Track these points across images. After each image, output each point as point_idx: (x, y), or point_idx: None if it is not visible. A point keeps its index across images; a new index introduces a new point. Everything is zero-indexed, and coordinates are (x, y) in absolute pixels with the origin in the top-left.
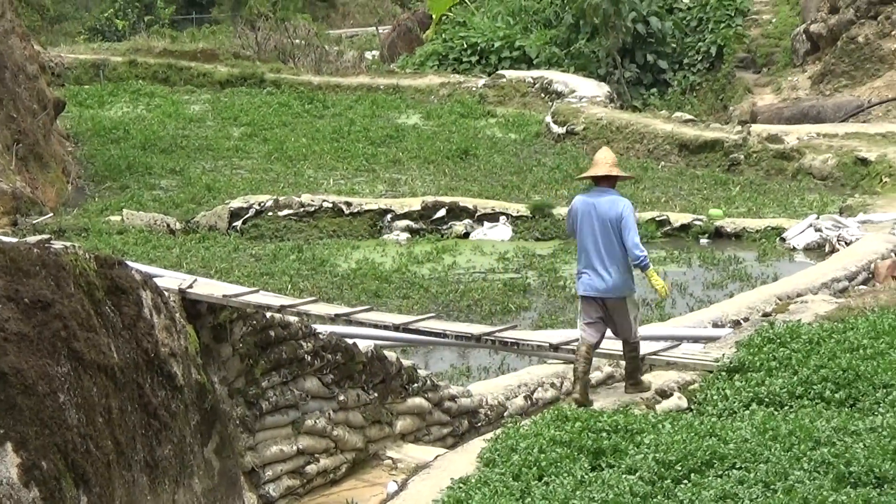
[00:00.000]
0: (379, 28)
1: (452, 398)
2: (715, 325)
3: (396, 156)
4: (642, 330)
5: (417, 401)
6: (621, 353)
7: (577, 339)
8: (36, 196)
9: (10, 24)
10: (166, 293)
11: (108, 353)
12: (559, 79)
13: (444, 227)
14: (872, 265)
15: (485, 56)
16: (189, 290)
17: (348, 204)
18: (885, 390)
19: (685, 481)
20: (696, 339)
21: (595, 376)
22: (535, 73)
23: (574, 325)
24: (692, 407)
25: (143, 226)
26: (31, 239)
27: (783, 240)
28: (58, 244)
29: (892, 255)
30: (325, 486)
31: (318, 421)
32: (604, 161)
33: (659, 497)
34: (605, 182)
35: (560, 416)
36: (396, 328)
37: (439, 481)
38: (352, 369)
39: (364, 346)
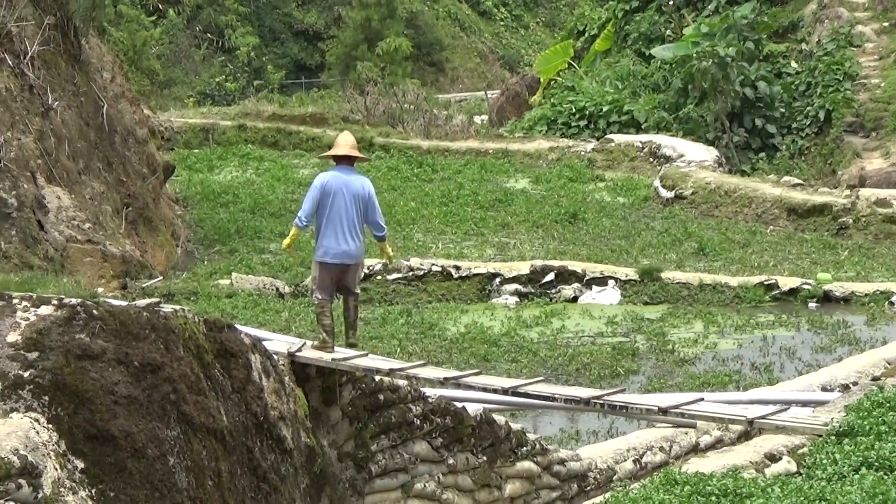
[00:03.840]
0: (488, 92)
1: (561, 462)
2: (824, 389)
3: (505, 220)
4: (752, 393)
5: (526, 465)
6: (730, 415)
7: (687, 403)
8: (145, 259)
9: (119, 89)
10: (275, 356)
11: (218, 416)
12: (668, 143)
13: (553, 291)
14: None
15: (593, 120)
16: (298, 354)
17: (457, 268)
18: None
19: None
20: (805, 403)
21: (704, 440)
22: (644, 137)
23: (683, 390)
24: (801, 471)
25: (251, 289)
26: (141, 302)
27: (892, 304)
28: (167, 307)
29: None
30: None
31: (427, 484)
32: (345, 143)
33: None
34: (346, 161)
35: (669, 480)
36: (505, 392)
37: None
38: (461, 433)
39: (473, 409)
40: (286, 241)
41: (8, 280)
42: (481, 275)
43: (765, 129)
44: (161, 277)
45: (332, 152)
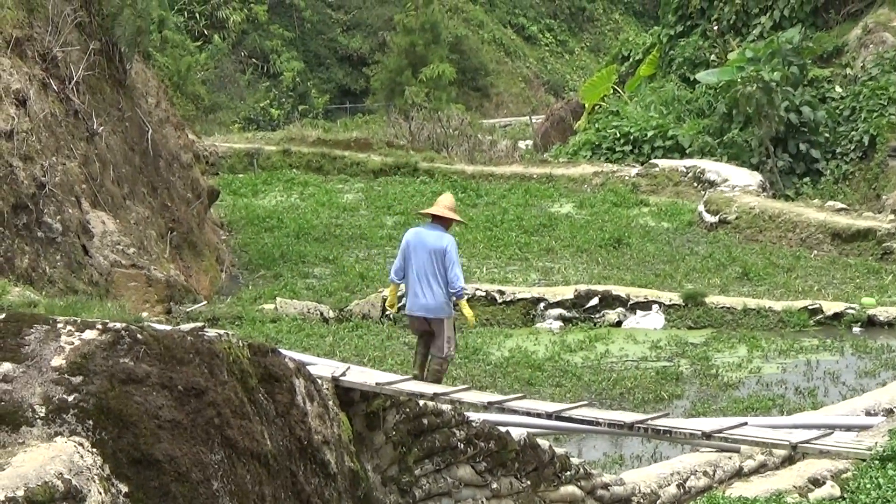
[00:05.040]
0: (532, 117)
1: (605, 486)
2: (868, 414)
3: (549, 244)
4: (796, 418)
5: (570, 489)
6: (774, 440)
7: (730, 427)
8: (190, 284)
9: (164, 114)
10: (319, 381)
11: (262, 441)
12: (712, 168)
13: (597, 315)
14: None
15: (638, 145)
16: (342, 378)
17: (501, 293)
18: None
19: None
20: (848, 428)
21: (748, 465)
22: (688, 162)
23: (726, 414)
24: (845, 496)
25: (296, 314)
26: (185, 327)
27: None
28: (211, 332)
29: None
30: None
31: None
32: (441, 202)
33: None
34: (440, 221)
35: None
36: (549, 416)
37: None
38: (504, 457)
39: (517, 433)
40: (389, 299)
41: (53, 304)
42: (525, 299)
43: (809, 154)
44: (205, 302)
45: (427, 210)
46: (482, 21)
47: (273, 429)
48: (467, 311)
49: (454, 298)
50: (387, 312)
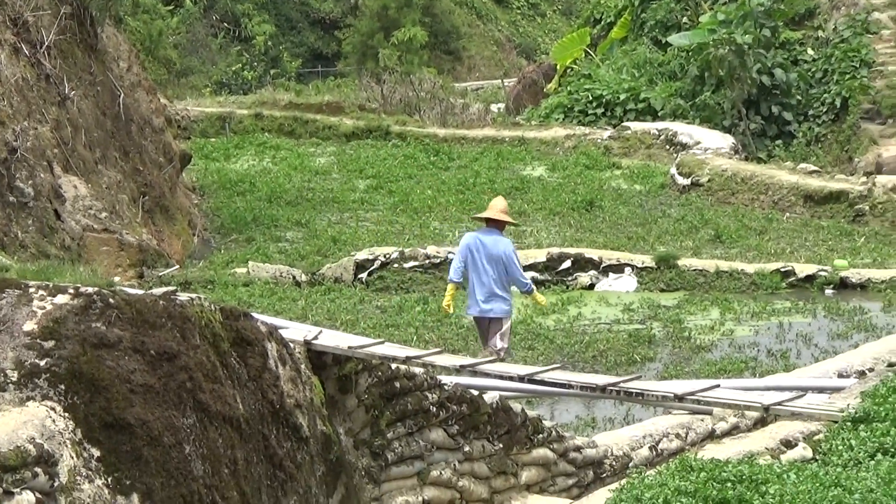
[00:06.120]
0: (504, 81)
1: (577, 449)
2: (840, 376)
3: (522, 207)
4: (768, 380)
5: (543, 452)
6: (746, 402)
7: (703, 389)
8: (162, 248)
9: (136, 78)
10: (292, 345)
11: (234, 405)
12: (684, 130)
13: (570, 278)
14: None
15: (610, 108)
16: (314, 342)
17: None
18: None
19: None
20: (821, 390)
21: (720, 427)
22: (661, 124)
23: (699, 377)
24: (817, 457)
25: (268, 278)
26: (158, 291)
27: None
28: (184, 296)
29: None
30: None
31: (443, 472)
32: (495, 207)
33: None
34: (495, 224)
35: (685, 466)
36: (521, 379)
37: None
38: (477, 420)
39: (489, 397)
40: (446, 299)
41: (25, 269)
42: None
43: (781, 117)
44: (178, 266)
45: (482, 215)
46: None
47: (245, 392)
48: (540, 298)
49: (524, 293)
50: (360, 276)
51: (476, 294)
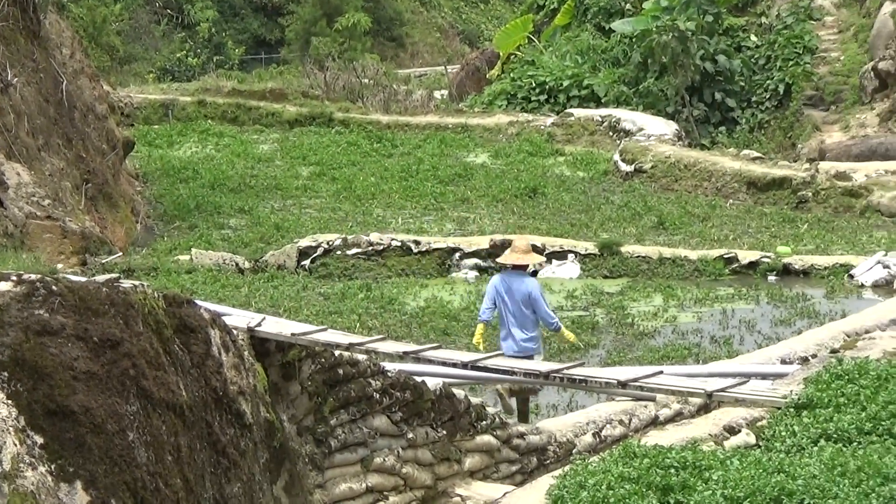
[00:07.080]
0: (447, 67)
1: (521, 436)
2: (783, 362)
3: (465, 194)
4: (711, 366)
5: (486, 438)
6: (689, 388)
7: (646, 376)
8: (105, 235)
9: (79, 65)
10: (235, 332)
11: (177, 392)
12: (627, 117)
13: None
14: None
15: (553, 95)
16: (257, 329)
17: (417, 242)
18: None
19: None
20: (764, 376)
21: (664, 413)
22: (604, 111)
23: (642, 363)
24: (760, 443)
25: (211, 265)
26: (100, 278)
27: (851, 277)
28: (127, 283)
29: None
30: None
31: (386, 458)
32: (518, 248)
33: None
34: (518, 267)
35: (628, 452)
36: (465, 366)
37: None
38: (420, 407)
39: (433, 383)
40: (476, 337)
41: None
42: (441, 249)
43: (724, 103)
44: (120, 253)
45: (506, 260)
46: None
47: (188, 379)
48: (569, 335)
49: (552, 332)
50: (303, 263)
51: (509, 335)
